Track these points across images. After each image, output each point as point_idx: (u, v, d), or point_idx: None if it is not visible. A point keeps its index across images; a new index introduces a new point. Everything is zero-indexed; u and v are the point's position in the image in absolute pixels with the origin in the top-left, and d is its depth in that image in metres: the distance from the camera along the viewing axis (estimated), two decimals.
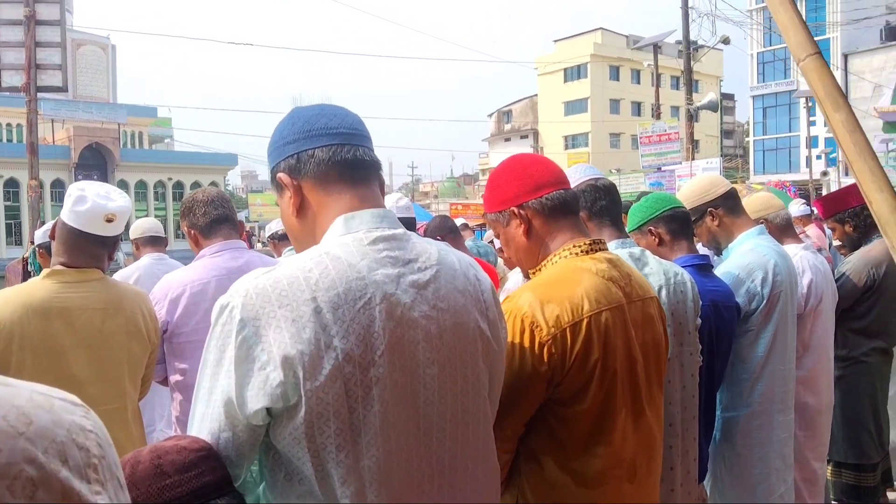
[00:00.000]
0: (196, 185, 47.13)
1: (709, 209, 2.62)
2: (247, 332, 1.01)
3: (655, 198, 2.42)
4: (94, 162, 41.56)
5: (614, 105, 53.17)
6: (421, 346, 1.08)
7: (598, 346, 1.41)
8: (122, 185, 44.64)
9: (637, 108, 54.40)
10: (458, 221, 7.34)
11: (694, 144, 17.46)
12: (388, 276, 1.08)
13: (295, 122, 1.20)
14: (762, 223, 2.83)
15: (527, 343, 1.38)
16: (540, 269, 1.59)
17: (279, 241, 4.78)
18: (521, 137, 58.43)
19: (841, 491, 3.53)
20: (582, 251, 1.55)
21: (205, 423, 1.05)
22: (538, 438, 1.43)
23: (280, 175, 1.20)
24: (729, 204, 2.62)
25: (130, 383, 2.29)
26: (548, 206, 1.56)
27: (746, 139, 52.73)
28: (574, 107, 52.96)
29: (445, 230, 4.18)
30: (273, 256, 4.58)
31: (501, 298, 1.36)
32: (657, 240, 2.34)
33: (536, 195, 1.56)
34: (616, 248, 1.97)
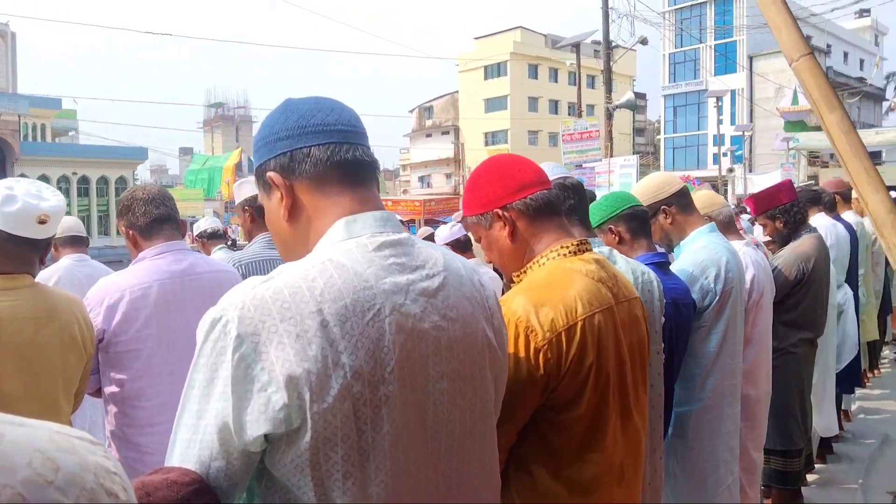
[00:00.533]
0: (103, 180, 44.95)
1: (662, 207, 2.66)
2: (245, 349, 0.90)
3: (615, 196, 2.43)
4: None
5: (532, 103, 54.05)
6: (431, 360, 1.00)
7: (592, 349, 1.38)
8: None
9: (554, 105, 55.49)
10: None
11: (611, 141, 17.94)
12: (396, 284, 1.00)
13: (288, 117, 1.10)
14: (707, 219, 2.89)
15: (522, 349, 1.34)
16: (525, 272, 1.55)
17: (208, 239, 4.57)
18: (443, 133, 58.58)
19: (769, 477, 3.67)
20: (570, 252, 1.52)
21: (192, 451, 0.93)
22: (530, 447, 1.39)
23: (270, 174, 1.09)
24: (682, 202, 2.66)
25: (65, 398, 2.12)
26: (532, 206, 1.52)
27: (657, 137, 54.65)
28: (494, 104, 53.53)
29: None
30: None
31: None
32: (617, 238, 2.35)
33: (520, 196, 1.52)
34: None
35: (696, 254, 2.55)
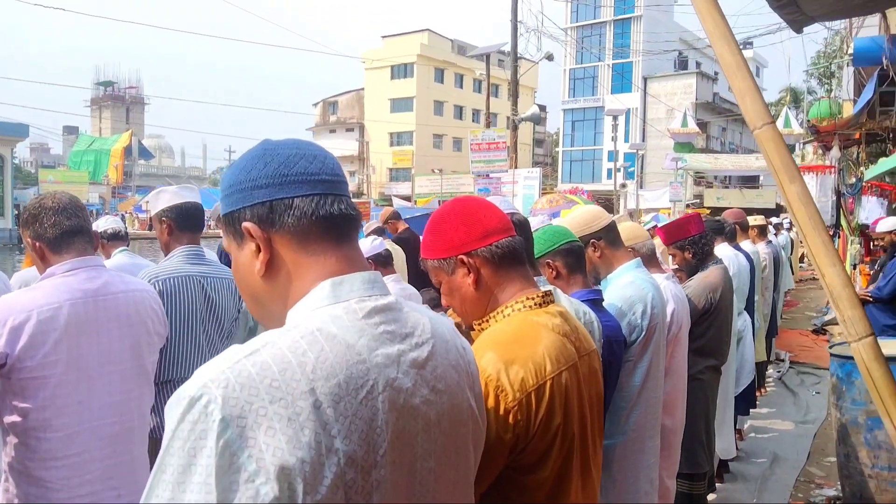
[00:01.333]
0: None
1: (591, 240, 2.69)
2: (230, 434, 0.79)
3: (553, 231, 2.43)
4: None
5: (438, 106, 54.43)
6: (420, 438, 0.94)
7: (559, 409, 1.35)
8: None
9: (459, 111, 56.13)
10: None
11: (515, 152, 18.32)
12: (388, 356, 0.93)
13: (268, 163, 1.00)
14: (634, 255, 2.96)
15: (491, 409, 1.29)
16: (488, 321, 1.50)
17: (108, 241, 4.25)
18: (347, 130, 57.93)
19: (675, 499, 3.82)
20: (535, 304, 1.48)
21: None
22: None
23: (247, 224, 0.99)
24: (610, 237, 2.71)
25: None
26: (498, 254, 1.48)
27: (556, 149, 56.39)
28: (400, 104, 53.48)
29: None
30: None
31: None
32: (554, 273, 2.35)
33: (485, 242, 1.47)
34: None
35: (624, 289, 2.60)
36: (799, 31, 3.50)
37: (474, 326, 1.54)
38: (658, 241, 4.43)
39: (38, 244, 2.11)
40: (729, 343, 3.97)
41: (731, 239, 5.24)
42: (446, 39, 56.12)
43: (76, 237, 2.14)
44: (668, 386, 3.01)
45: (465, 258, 1.47)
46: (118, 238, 4.21)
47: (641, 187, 39.34)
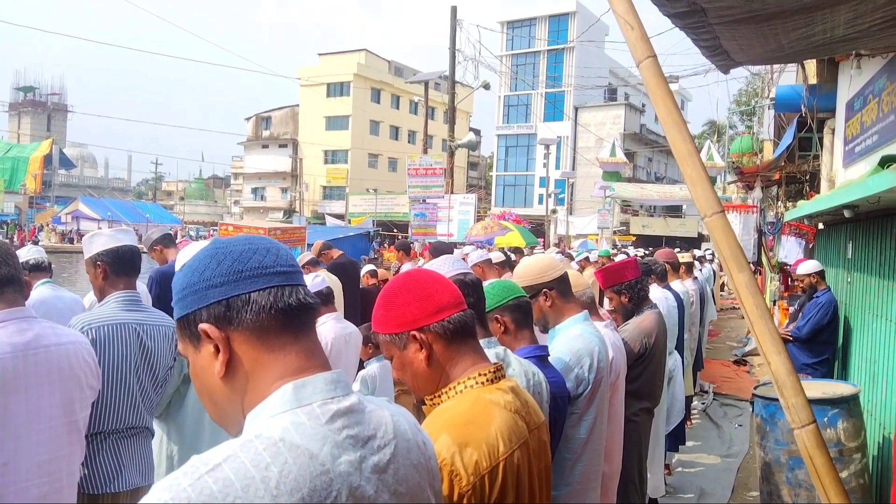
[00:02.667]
0: None
1: (543, 290, 2.73)
2: None
3: (502, 286, 2.45)
4: None
5: (374, 126, 54.41)
6: None
7: (512, 489, 1.37)
8: None
9: (395, 132, 56.26)
10: None
11: (452, 177, 18.49)
12: (351, 463, 0.92)
13: (221, 261, 0.98)
14: (581, 306, 3.02)
15: (446, 494, 1.28)
16: (440, 396, 1.50)
17: (31, 272, 4.04)
18: (280, 146, 57.12)
19: None
20: (487, 380, 1.49)
21: None
22: None
23: (204, 326, 0.97)
24: (562, 287, 2.75)
25: None
26: (450, 329, 1.48)
27: (489, 173, 57.17)
28: (336, 123, 53.18)
29: None
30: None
31: None
32: (503, 328, 2.36)
33: (437, 318, 1.47)
34: (485, 348, 1.94)
35: (572, 342, 2.64)
36: (726, 72, 3.76)
37: (426, 401, 1.53)
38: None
39: None
40: (662, 385, 4.08)
41: (662, 279, 5.42)
42: (384, 60, 56.30)
43: (6, 287, 2.03)
44: (607, 432, 3.07)
45: (417, 334, 1.47)
46: (40, 269, 4.01)
47: (571, 213, 40.32)
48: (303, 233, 11.68)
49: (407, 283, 1.53)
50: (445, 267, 2.01)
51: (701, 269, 10.56)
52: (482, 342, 1.94)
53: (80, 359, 2.17)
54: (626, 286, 4.02)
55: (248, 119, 60.03)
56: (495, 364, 1.54)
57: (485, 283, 2.52)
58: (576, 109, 47.25)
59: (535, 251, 14.18)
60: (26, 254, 4.08)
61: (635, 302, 4.03)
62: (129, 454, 2.54)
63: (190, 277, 0.99)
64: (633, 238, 34.96)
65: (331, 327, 3.86)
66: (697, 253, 13.77)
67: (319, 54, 56.14)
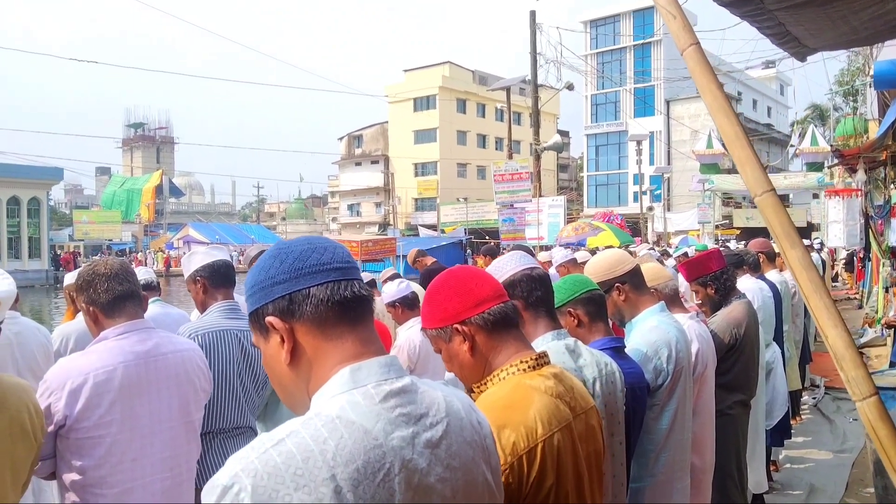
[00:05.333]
0: (14, 200, 42.58)
1: (616, 284, 2.77)
2: None
3: (574, 280, 2.51)
4: None
5: (461, 136, 54.90)
6: None
7: (551, 471, 1.42)
8: None
9: (483, 140, 56.53)
10: None
11: (539, 181, 18.45)
12: (403, 438, 1.01)
13: (283, 260, 1.11)
14: (657, 296, 3.03)
15: None
16: (485, 384, 1.58)
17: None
18: (372, 163, 58.63)
19: None
20: (529, 367, 1.55)
21: None
22: None
23: (270, 318, 1.09)
24: (634, 280, 2.78)
25: (12, 490, 2.01)
26: (490, 321, 1.56)
27: (580, 174, 56.36)
28: (423, 136, 54.08)
29: None
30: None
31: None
32: (576, 321, 2.42)
33: (478, 310, 1.56)
34: (552, 340, 2.01)
35: (649, 334, 2.67)
36: (802, 59, 3.62)
37: (473, 389, 1.61)
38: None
39: (91, 309, 2.26)
40: (756, 377, 3.99)
41: (755, 270, 5.26)
42: (467, 70, 56.77)
43: (127, 301, 2.28)
44: (696, 425, 3.05)
45: (459, 327, 1.56)
46: (150, 288, 4.38)
47: (669, 210, 39.12)
48: (393, 243, 12.06)
49: (448, 280, 1.63)
50: (512, 263, 2.09)
51: None
52: (550, 334, 2.02)
53: (193, 364, 2.40)
54: (710, 277, 3.97)
55: (340, 139, 61.97)
56: (538, 352, 1.60)
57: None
58: (667, 103, 45.95)
59: (629, 249, 13.93)
60: (72, 278, 4.44)
61: (722, 293, 3.96)
62: (235, 451, 2.77)
63: (257, 276, 1.13)
64: (738, 231, 33.50)
65: (418, 331, 4.02)
66: (806, 242, 13.08)
67: (405, 70, 57.27)
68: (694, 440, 3.01)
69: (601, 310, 2.47)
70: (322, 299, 1.08)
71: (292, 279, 1.09)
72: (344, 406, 1.01)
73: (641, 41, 46.24)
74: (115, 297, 2.26)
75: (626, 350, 2.58)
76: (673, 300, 3.25)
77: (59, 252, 46.60)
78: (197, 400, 2.39)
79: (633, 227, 31.98)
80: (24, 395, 2.04)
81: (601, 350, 2.22)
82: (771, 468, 5.32)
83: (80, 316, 2.97)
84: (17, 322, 3.73)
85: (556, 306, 2.42)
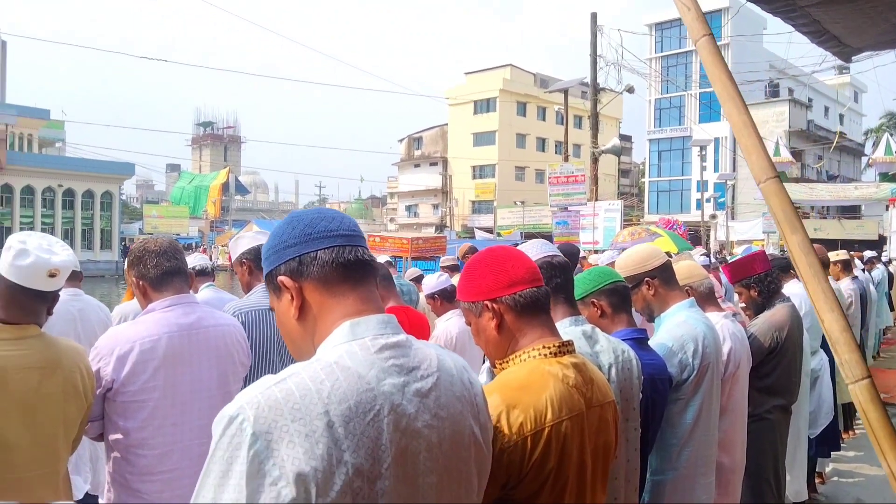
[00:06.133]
0: (88, 193, 44.70)
1: (645, 279, 2.79)
2: (258, 446, 0.99)
3: (598, 271, 2.56)
4: None
5: (520, 139, 54.77)
6: (422, 456, 1.11)
7: (554, 455, 1.46)
8: (7, 189, 41.81)
9: (542, 143, 56.26)
10: (382, 259, 7.39)
11: (596, 184, 18.29)
12: (394, 385, 1.10)
13: (295, 226, 1.23)
14: (689, 292, 3.04)
15: None
16: (508, 362, 1.63)
17: (196, 276, 4.64)
18: (431, 164, 59.08)
19: None
20: (550, 353, 1.59)
21: None
22: None
23: (281, 278, 1.21)
24: (664, 276, 2.80)
25: (64, 446, 2.19)
26: (520, 303, 1.61)
27: (642, 179, 55.46)
28: (483, 138, 54.18)
29: (379, 277, 4.21)
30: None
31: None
32: (599, 312, 2.47)
33: (510, 291, 1.61)
34: (570, 326, 2.06)
35: (676, 329, 2.68)
36: (847, 60, 3.54)
37: (496, 365, 1.68)
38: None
39: (141, 283, 2.43)
40: (798, 382, 3.92)
41: None
42: (528, 73, 56.62)
43: (174, 277, 2.44)
44: (726, 424, 3.04)
45: (490, 303, 1.62)
46: (204, 274, 4.60)
47: (733, 218, 38.14)
48: (443, 242, 12.31)
49: (487, 257, 1.70)
50: (534, 250, 2.16)
51: (865, 271, 9.72)
52: (568, 320, 2.08)
53: (233, 339, 2.55)
54: (754, 280, 3.92)
55: (400, 140, 62.69)
56: (563, 340, 1.64)
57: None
58: None
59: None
60: (193, 261, 4.69)
61: (765, 296, 3.91)
62: None
63: (272, 241, 1.25)
64: None
65: (455, 323, 4.11)
66: (869, 254, 12.59)
67: (466, 73, 57.54)
68: (723, 439, 3.01)
69: (625, 302, 2.51)
70: (327, 261, 1.20)
71: (302, 243, 1.21)
72: (342, 354, 1.11)
73: None
74: (162, 272, 2.41)
75: (651, 343, 2.61)
76: (708, 299, 3.25)
77: (128, 244, 48.62)
78: (235, 373, 2.53)
79: (695, 236, 31.27)
80: (77, 357, 2.22)
81: (623, 340, 2.26)
82: (816, 480, 5.19)
83: None
84: (80, 299, 4.00)
85: (580, 296, 2.48)
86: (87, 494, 3.99)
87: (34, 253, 2.10)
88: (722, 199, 37.94)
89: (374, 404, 1.07)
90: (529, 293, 1.63)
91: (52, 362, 2.12)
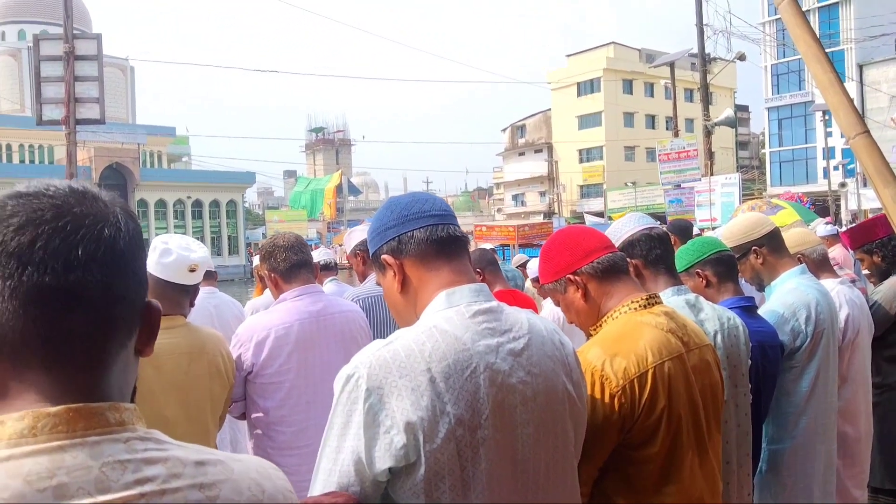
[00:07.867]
0: (215, 203, 47.76)
1: (753, 248, 2.76)
2: (372, 399, 1.14)
3: (702, 241, 2.58)
4: (115, 181, 42.27)
5: (628, 118, 53.29)
6: (518, 409, 1.23)
7: (663, 394, 1.55)
8: (142, 204, 45.45)
9: (651, 120, 54.48)
10: (486, 246, 7.54)
11: (711, 159, 17.56)
12: (488, 346, 1.23)
13: (393, 210, 1.38)
14: (800, 259, 2.98)
15: (598, 395, 1.54)
16: (601, 326, 1.73)
17: (321, 271, 4.96)
18: (536, 151, 58.64)
19: None
20: (640, 306, 1.69)
21: (332, 479, 1.19)
22: (611, 482, 1.57)
23: (384, 257, 1.36)
24: (773, 244, 2.76)
25: (212, 422, 2.47)
26: (599, 269, 1.72)
27: (762, 151, 52.55)
28: (588, 121, 53.16)
29: (485, 262, 4.33)
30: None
31: None
32: (704, 282, 2.48)
33: (587, 261, 1.72)
34: (672, 296, 2.11)
35: (787, 296, 2.65)
36: None
37: (591, 332, 1.78)
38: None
39: (272, 275, 2.69)
40: None
41: None
42: (633, 49, 54.96)
43: (302, 269, 2.69)
44: (848, 393, 2.96)
45: (571, 277, 1.74)
46: (329, 269, 4.92)
47: (864, 185, 35.43)
48: (550, 227, 12.32)
49: (558, 237, 1.84)
50: (631, 223, 2.21)
51: None
52: (670, 290, 2.13)
53: (356, 324, 2.77)
54: (877, 244, 3.75)
55: (503, 130, 62.61)
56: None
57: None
58: (860, 67, 41.49)
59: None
60: (318, 255, 5.02)
61: (889, 260, 3.73)
62: None
63: (374, 224, 1.41)
64: None
65: (549, 310, 4.19)
66: None
67: (567, 55, 56.62)
68: (845, 408, 2.93)
69: (731, 271, 2.51)
70: (423, 239, 1.33)
71: (400, 224, 1.35)
72: (440, 320, 1.26)
73: (827, 2, 42.18)
74: (291, 265, 2.67)
75: (761, 312, 2.59)
76: (821, 265, 3.16)
77: (253, 250, 51.48)
78: None
79: (822, 207, 29.37)
80: (218, 343, 2.50)
81: (731, 309, 2.28)
82: None
83: (267, 291, 3.48)
84: (216, 296, 4.40)
85: (684, 267, 2.51)
86: None
87: (176, 251, 2.38)
88: (851, 166, 35.27)
89: (471, 362, 1.20)
90: (606, 258, 1.73)
91: (197, 348, 2.39)
